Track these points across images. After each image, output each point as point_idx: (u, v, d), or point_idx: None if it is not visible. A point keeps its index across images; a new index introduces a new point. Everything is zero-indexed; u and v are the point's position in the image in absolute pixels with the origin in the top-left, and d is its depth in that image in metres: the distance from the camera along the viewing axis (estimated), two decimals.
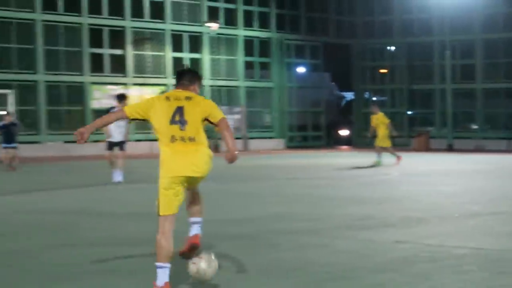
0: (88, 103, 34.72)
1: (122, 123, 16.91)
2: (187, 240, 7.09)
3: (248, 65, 41.21)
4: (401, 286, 6.71)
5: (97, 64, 35.49)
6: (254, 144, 39.25)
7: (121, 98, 17.18)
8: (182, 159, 6.42)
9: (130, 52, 36.51)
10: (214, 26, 37.97)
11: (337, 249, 8.60)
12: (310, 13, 43.51)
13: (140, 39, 37.06)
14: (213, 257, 6.56)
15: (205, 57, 38.99)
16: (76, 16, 34.80)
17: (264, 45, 41.76)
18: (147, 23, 37.08)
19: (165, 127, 6.47)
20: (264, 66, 42.21)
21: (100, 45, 35.79)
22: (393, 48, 44.05)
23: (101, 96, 34.81)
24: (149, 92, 34.71)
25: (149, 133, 33.24)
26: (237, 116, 38.69)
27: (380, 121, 25.50)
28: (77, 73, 34.85)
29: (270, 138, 41.56)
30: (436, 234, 9.62)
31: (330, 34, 44.44)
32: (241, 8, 40.37)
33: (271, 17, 41.88)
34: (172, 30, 37.81)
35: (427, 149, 37.63)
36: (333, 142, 44.37)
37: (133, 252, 8.43)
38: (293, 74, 43.56)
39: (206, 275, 6.48)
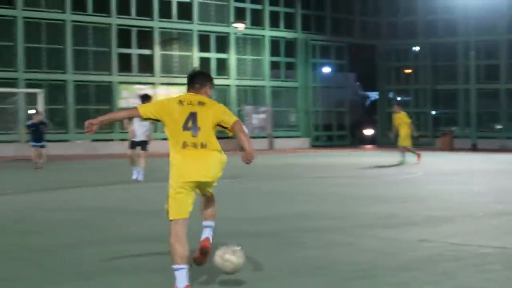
0: (116, 103, 35.02)
1: (145, 123, 16.68)
2: (199, 245, 6.92)
3: (274, 65, 41.37)
4: (425, 285, 6.68)
5: (125, 64, 35.80)
6: (279, 143, 39.44)
7: (145, 98, 16.88)
8: (192, 164, 6.39)
9: (157, 52, 36.82)
10: (240, 26, 38.19)
11: (362, 247, 8.61)
12: (335, 13, 43.59)
13: (168, 40, 37.37)
14: (236, 247, 6.57)
15: (232, 57, 39.23)
16: (105, 16, 35.16)
17: (290, 45, 41.90)
18: (175, 24, 37.37)
19: (178, 132, 6.48)
20: (290, 66, 42.34)
21: (128, 45, 36.12)
22: (417, 48, 43.94)
23: (128, 96, 35.07)
24: (176, 92, 34.90)
25: None
26: (262, 116, 38.92)
27: (402, 120, 25.73)
28: (106, 73, 35.25)
29: (295, 137, 41.69)
30: (460, 233, 9.62)
31: (355, 35, 44.50)
32: (267, 8, 40.54)
33: (297, 17, 42.01)
34: (199, 31, 38.09)
35: (451, 148, 37.54)
36: (358, 141, 44.41)
37: (157, 249, 8.41)
38: (318, 74, 43.64)
39: (233, 263, 6.45)
